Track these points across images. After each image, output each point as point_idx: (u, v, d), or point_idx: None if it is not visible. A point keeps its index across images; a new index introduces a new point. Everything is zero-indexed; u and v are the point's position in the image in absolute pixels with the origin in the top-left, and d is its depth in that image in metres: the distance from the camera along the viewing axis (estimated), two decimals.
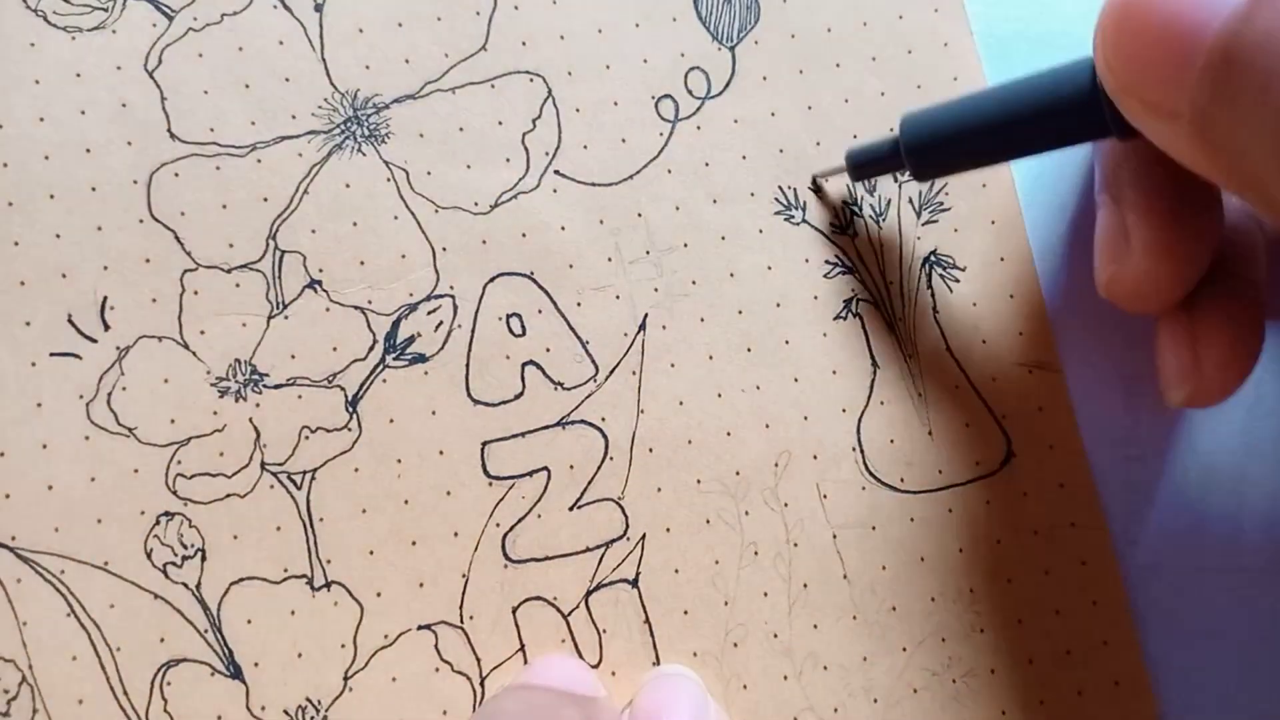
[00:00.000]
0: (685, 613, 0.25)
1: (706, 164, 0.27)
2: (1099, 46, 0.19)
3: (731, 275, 0.26)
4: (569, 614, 0.25)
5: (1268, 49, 0.16)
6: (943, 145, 0.23)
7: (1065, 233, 0.27)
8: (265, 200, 0.26)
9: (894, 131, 0.24)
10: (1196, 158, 0.18)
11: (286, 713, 0.24)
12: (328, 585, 0.25)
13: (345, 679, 0.24)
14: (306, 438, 0.25)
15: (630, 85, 0.27)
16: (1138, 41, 0.18)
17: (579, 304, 0.26)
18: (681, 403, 0.26)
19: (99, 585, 0.24)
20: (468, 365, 0.26)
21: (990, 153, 0.23)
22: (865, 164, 0.25)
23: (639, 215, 0.26)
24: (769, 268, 0.26)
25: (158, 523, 0.25)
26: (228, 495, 0.25)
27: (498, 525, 0.25)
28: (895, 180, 0.27)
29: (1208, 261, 0.22)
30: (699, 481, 0.26)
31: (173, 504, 0.25)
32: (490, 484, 0.25)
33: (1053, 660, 0.25)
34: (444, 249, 0.26)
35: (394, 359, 0.26)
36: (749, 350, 0.26)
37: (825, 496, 0.26)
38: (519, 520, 0.25)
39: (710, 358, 0.26)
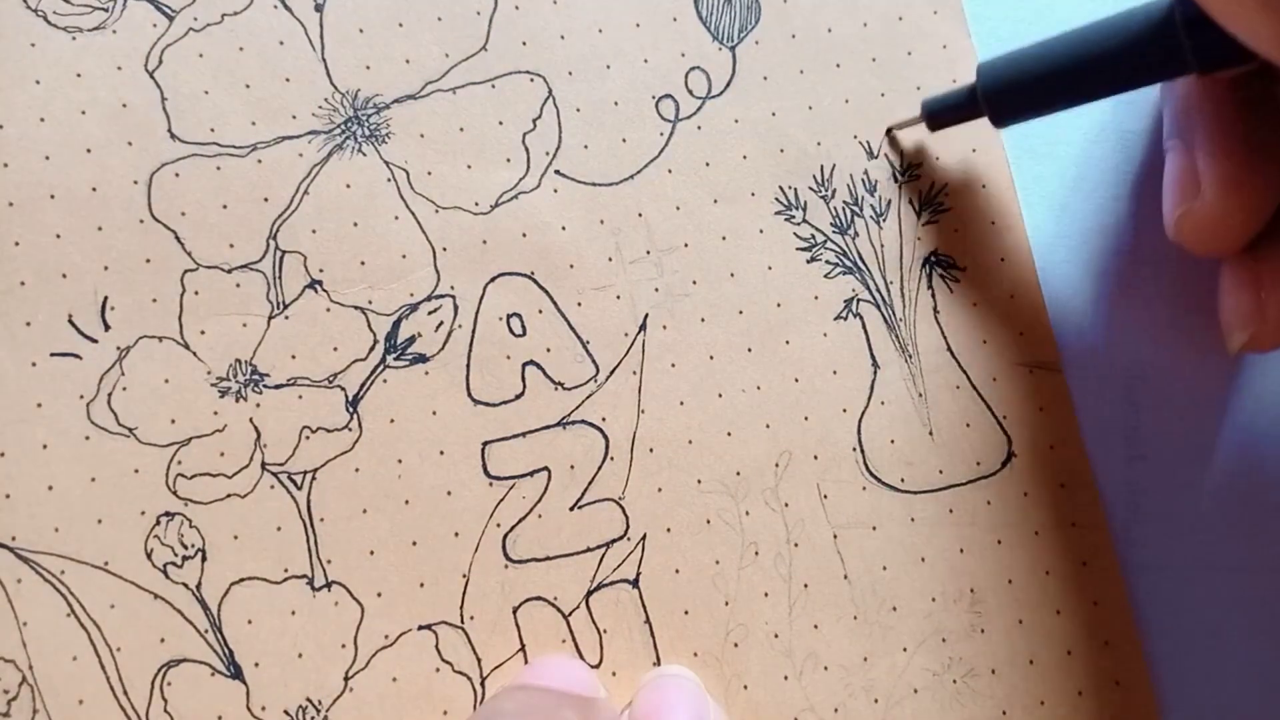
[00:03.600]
0: (686, 613, 0.25)
1: (707, 164, 0.27)
2: None
3: (732, 275, 0.26)
4: (569, 614, 0.25)
5: None
6: (1021, 88, 0.23)
7: (1067, 233, 0.27)
8: (266, 200, 0.26)
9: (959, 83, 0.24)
10: (1275, 34, 0.18)
11: (287, 713, 0.24)
12: (328, 585, 0.25)
13: (346, 679, 0.24)
14: (307, 438, 0.25)
15: (630, 85, 0.27)
16: None
17: (579, 304, 0.26)
18: (682, 403, 0.26)
19: (99, 585, 0.24)
20: (468, 365, 0.26)
21: (1068, 93, 0.23)
22: (942, 112, 0.25)
23: (639, 215, 0.26)
24: (769, 268, 0.26)
25: (158, 523, 0.25)
26: (228, 495, 0.25)
27: (498, 525, 0.25)
28: (896, 181, 0.27)
29: (1276, 203, 0.22)
30: (699, 481, 0.26)
31: (173, 504, 0.25)
32: (491, 484, 0.25)
33: (1054, 660, 0.25)
34: (444, 249, 0.26)
35: (394, 359, 0.26)
36: (749, 350, 0.26)
37: (826, 496, 0.26)
38: (519, 520, 0.25)
39: (711, 358, 0.26)
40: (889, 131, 0.27)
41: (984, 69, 0.24)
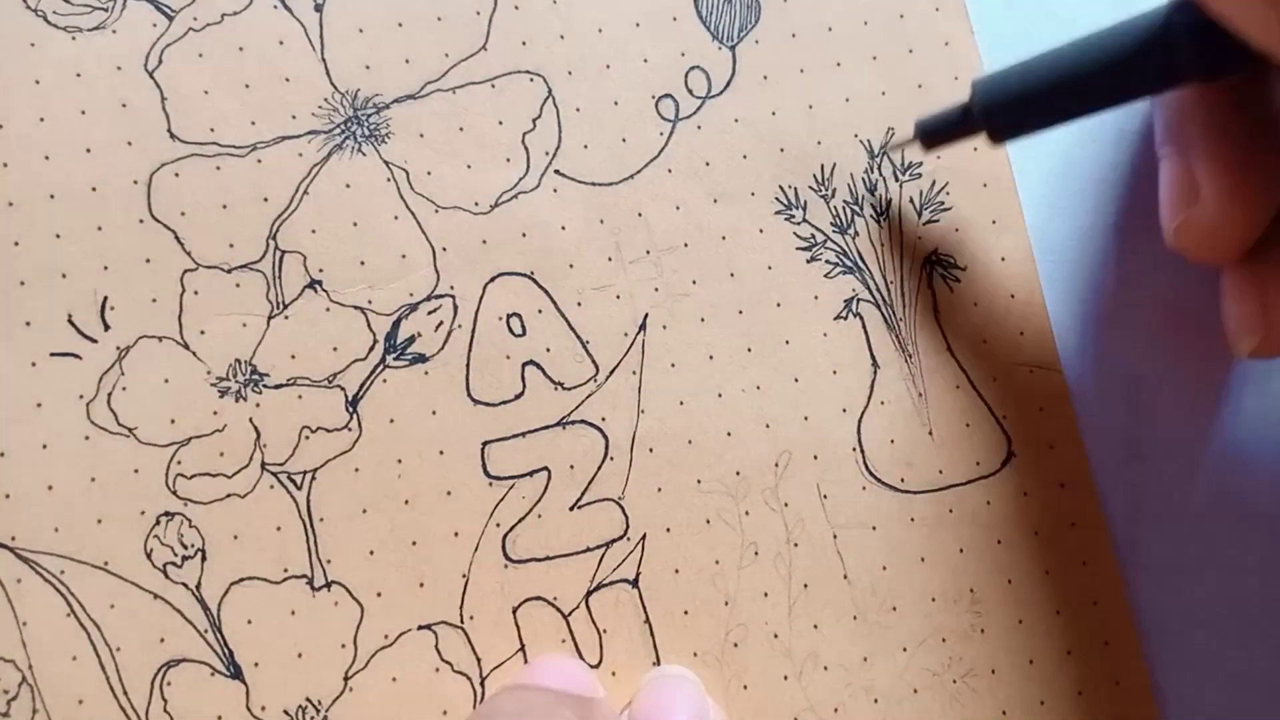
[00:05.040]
0: (685, 613, 0.25)
1: (707, 163, 0.27)
2: None
3: (732, 275, 0.26)
4: (569, 614, 0.25)
5: None
6: (1018, 103, 0.23)
7: (1067, 233, 0.27)
8: (265, 200, 0.26)
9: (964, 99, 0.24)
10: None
11: (286, 713, 0.24)
12: (328, 585, 0.25)
13: (345, 679, 0.24)
14: (307, 438, 0.25)
15: (630, 85, 0.27)
16: None
17: (579, 304, 0.26)
18: (682, 403, 0.26)
19: (99, 585, 0.24)
20: (468, 365, 0.26)
21: (1066, 108, 0.23)
22: (938, 131, 0.24)
23: (639, 215, 0.26)
24: (769, 268, 0.26)
25: (158, 523, 0.25)
26: (228, 495, 0.25)
27: (498, 525, 0.25)
28: (897, 179, 0.27)
29: (1275, 207, 0.22)
30: (699, 481, 0.26)
31: (173, 504, 0.25)
32: (490, 484, 0.25)
33: (1053, 660, 0.25)
34: (444, 249, 0.26)
35: (394, 359, 0.26)
36: (749, 350, 0.26)
37: (825, 496, 0.26)
38: (519, 520, 0.25)
39: (710, 358, 0.26)
40: (883, 153, 0.27)
41: (979, 85, 0.23)
